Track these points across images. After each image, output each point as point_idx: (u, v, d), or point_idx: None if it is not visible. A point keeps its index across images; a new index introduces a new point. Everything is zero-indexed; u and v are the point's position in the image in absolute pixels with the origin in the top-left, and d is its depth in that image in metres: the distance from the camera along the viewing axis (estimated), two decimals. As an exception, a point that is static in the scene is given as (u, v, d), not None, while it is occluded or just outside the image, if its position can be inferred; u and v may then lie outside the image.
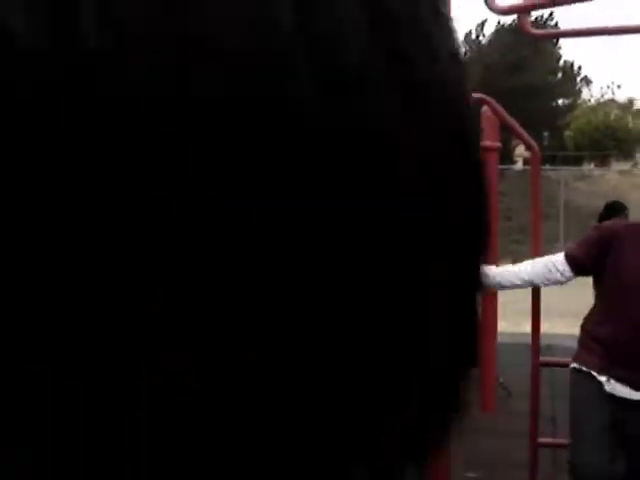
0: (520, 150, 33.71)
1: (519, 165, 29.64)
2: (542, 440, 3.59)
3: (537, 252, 3.70)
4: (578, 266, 3.27)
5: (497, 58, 30.46)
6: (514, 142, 29.86)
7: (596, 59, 76.27)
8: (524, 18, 3.18)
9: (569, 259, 3.25)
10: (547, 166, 26.93)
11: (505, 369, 6.11)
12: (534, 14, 29.74)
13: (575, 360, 3.34)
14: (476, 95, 3.93)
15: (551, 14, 30.09)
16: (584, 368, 3.26)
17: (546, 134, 33.06)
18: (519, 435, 3.88)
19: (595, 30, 3.48)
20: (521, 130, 3.77)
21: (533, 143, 3.68)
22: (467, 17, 32.56)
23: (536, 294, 3.72)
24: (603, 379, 3.19)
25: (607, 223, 3.59)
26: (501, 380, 6.40)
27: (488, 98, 3.69)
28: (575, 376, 3.32)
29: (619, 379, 3.15)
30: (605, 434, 3.13)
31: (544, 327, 5.11)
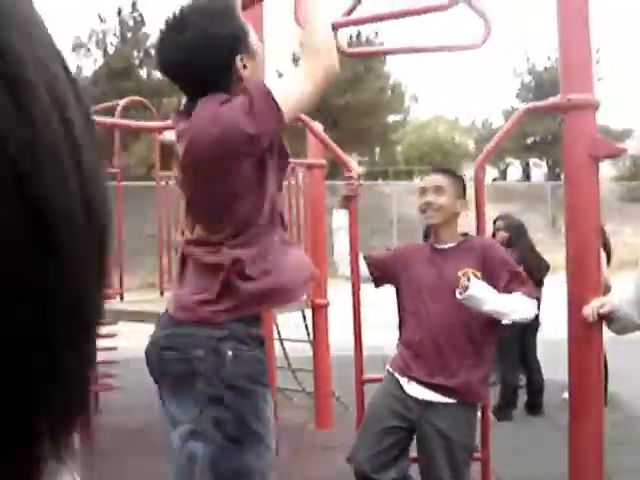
0: (354, 166, 34.52)
1: (361, 183, 30.26)
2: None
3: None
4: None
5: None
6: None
7: (423, 76, 79.62)
8: (335, 36, 3.20)
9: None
10: (380, 181, 27.76)
11: (342, 383, 6.13)
12: (361, 33, 30.56)
13: (390, 364, 3.54)
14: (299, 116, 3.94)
15: (376, 34, 31.04)
16: (390, 369, 3.49)
17: (378, 150, 34.08)
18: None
19: (406, 48, 3.57)
20: (338, 149, 3.79)
21: (349, 161, 3.71)
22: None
23: (357, 310, 3.73)
24: (404, 381, 3.40)
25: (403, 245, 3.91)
26: (337, 395, 6.43)
27: (306, 118, 3.69)
28: (385, 378, 3.53)
29: (418, 381, 3.34)
30: (386, 438, 3.31)
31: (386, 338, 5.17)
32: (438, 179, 3.50)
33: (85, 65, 32.78)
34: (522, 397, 6.73)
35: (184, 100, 2.44)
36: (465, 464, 3.33)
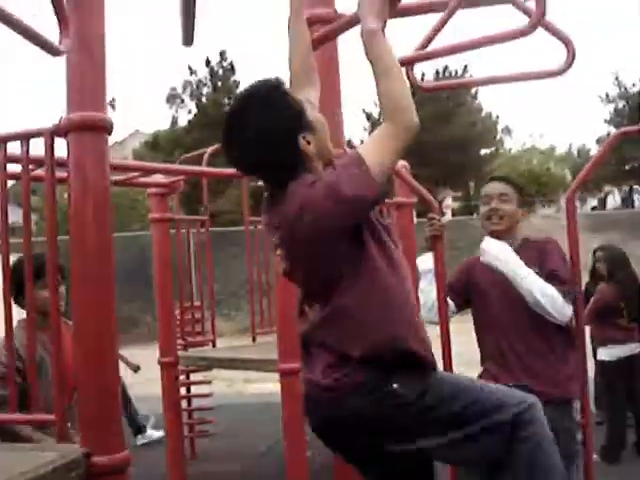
0: (448, 202, 34.30)
1: (448, 216, 30.08)
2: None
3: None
4: None
5: (420, 111, 30.95)
6: (441, 195, 30.36)
7: (516, 109, 78.60)
8: (411, 71, 3.13)
9: None
10: (474, 216, 27.35)
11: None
12: (442, 66, 30.38)
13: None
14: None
15: (466, 67, 30.88)
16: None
17: (472, 184, 33.70)
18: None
19: (488, 79, 3.46)
20: (421, 189, 3.69)
21: (433, 200, 3.61)
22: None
23: (447, 352, 3.58)
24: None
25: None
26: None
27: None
28: None
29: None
30: None
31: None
32: (502, 187, 3.58)
33: (180, 115, 33.78)
34: (630, 437, 6.36)
35: (266, 193, 2.45)
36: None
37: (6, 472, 2.18)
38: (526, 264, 3.33)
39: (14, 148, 2.89)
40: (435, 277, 3.54)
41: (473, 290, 3.62)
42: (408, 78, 3.08)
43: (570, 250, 3.53)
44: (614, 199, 35.58)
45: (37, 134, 2.80)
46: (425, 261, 3.69)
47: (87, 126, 2.59)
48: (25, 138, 2.81)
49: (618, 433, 6.16)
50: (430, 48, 2.84)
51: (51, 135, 2.73)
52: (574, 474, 3.26)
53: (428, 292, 3.62)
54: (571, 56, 3.13)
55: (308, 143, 2.30)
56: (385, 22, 2.24)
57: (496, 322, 3.47)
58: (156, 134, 33.39)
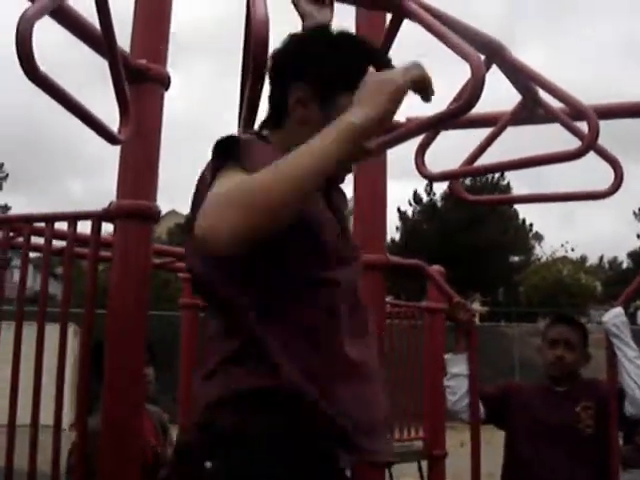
0: (476, 306, 34.01)
1: (475, 321, 29.75)
2: None
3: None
4: None
5: (452, 215, 31.18)
6: (470, 299, 30.14)
7: (548, 217, 78.84)
8: (456, 183, 3.16)
9: None
10: (502, 322, 27.10)
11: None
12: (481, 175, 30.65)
13: None
14: (418, 263, 3.86)
15: (502, 174, 31.12)
16: None
17: (501, 290, 33.49)
18: None
19: (529, 197, 3.48)
20: (452, 293, 3.68)
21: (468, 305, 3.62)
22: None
23: (477, 457, 3.49)
24: None
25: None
26: None
27: (425, 265, 3.59)
28: None
29: None
30: None
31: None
32: (569, 333, 3.59)
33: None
34: None
35: None
36: None
37: None
38: (580, 399, 3.43)
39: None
40: (469, 376, 3.54)
41: (517, 413, 3.59)
42: (456, 190, 3.11)
43: (608, 364, 3.44)
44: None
45: (85, 216, 2.85)
46: (454, 363, 3.65)
47: (136, 214, 2.64)
48: (73, 219, 2.87)
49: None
50: (477, 163, 2.86)
51: (99, 219, 2.78)
52: None
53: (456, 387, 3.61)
54: (619, 178, 3.13)
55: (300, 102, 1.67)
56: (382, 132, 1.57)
57: (546, 456, 3.42)
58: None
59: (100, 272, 2.90)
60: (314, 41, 1.71)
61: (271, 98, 1.72)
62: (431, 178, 2.87)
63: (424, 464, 6.26)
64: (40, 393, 2.81)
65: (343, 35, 1.72)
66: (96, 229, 2.80)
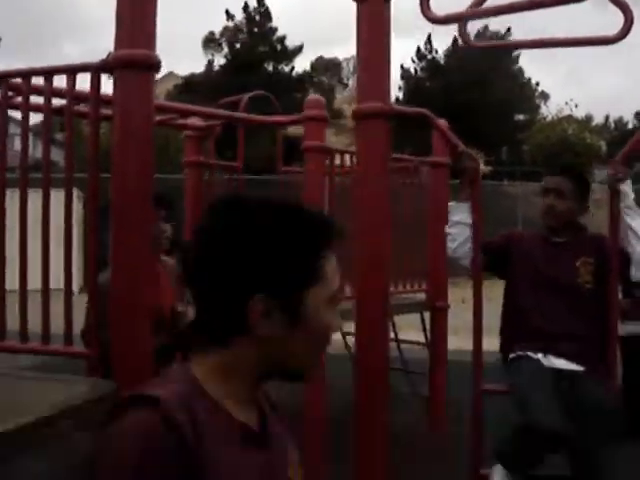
0: (480, 166, 33.81)
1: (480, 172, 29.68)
2: (482, 472, 3.46)
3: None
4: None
5: (456, 73, 30.63)
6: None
7: (554, 76, 77.35)
8: (462, 27, 3.07)
9: None
10: (505, 182, 27.05)
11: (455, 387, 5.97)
12: (482, 26, 29.80)
13: (511, 352, 3.53)
14: (423, 111, 3.79)
15: (509, 29, 30.35)
16: (520, 353, 3.47)
17: (505, 149, 33.27)
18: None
19: (536, 42, 3.38)
20: (462, 145, 3.63)
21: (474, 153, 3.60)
22: (415, 32, 32.56)
23: (479, 311, 3.55)
24: (540, 355, 3.41)
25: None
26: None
27: (432, 115, 3.53)
28: (513, 364, 3.49)
29: (555, 354, 3.39)
30: (555, 400, 3.18)
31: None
32: (560, 182, 3.58)
33: (216, 60, 33.60)
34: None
35: None
36: None
37: (37, 403, 2.21)
38: (578, 254, 3.48)
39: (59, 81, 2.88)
40: (472, 227, 3.52)
41: (518, 261, 3.62)
42: (461, 35, 3.03)
43: (611, 226, 3.46)
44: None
45: (83, 68, 2.79)
46: (456, 211, 3.64)
47: (135, 63, 2.57)
48: (71, 72, 2.81)
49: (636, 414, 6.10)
50: (486, 5, 2.77)
51: (97, 71, 2.72)
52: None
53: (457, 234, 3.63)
54: (629, 22, 3.04)
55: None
56: None
57: (546, 306, 3.48)
58: (190, 77, 33.21)
59: (102, 134, 2.84)
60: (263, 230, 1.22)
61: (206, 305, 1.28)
62: (436, 21, 2.79)
63: (427, 316, 6.41)
64: (49, 258, 2.83)
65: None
66: (95, 82, 2.74)
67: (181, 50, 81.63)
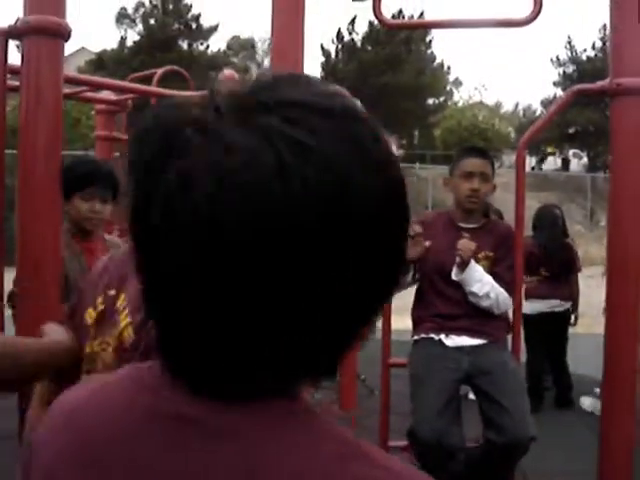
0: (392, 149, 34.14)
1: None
2: (392, 444, 3.55)
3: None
4: None
5: (371, 55, 30.83)
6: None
7: (466, 60, 78.79)
8: (378, 4, 3.10)
9: None
10: (417, 165, 27.47)
11: (367, 366, 6.06)
12: (396, 9, 30.07)
13: (415, 335, 3.59)
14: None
15: (422, 14, 30.64)
16: (424, 335, 3.52)
17: (416, 133, 33.78)
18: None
19: (451, 22, 3.45)
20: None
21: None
22: (338, 15, 32.60)
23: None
24: (442, 336, 3.47)
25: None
26: (362, 377, 6.35)
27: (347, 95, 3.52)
28: (414, 348, 3.56)
29: (456, 331, 3.46)
30: (440, 398, 3.23)
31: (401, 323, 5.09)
32: (484, 165, 3.57)
33: (129, 36, 32.91)
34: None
35: None
36: None
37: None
38: (481, 247, 3.51)
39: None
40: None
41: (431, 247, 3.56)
42: (376, 13, 3.06)
43: (517, 206, 3.59)
44: (555, 162, 36.14)
45: (-10, 34, 2.70)
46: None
47: (45, 30, 2.51)
48: (-23, 37, 2.71)
49: (535, 385, 6.32)
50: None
51: (5, 37, 2.65)
52: None
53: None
54: (538, 6, 3.13)
55: None
56: None
57: (451, 293, 3.53)
58: (102, 53, 32.41)
59: (8, 113, 2.75)
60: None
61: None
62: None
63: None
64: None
65: None
66: (3, 47, 2.66)
67: (94, 25, 79.46)
